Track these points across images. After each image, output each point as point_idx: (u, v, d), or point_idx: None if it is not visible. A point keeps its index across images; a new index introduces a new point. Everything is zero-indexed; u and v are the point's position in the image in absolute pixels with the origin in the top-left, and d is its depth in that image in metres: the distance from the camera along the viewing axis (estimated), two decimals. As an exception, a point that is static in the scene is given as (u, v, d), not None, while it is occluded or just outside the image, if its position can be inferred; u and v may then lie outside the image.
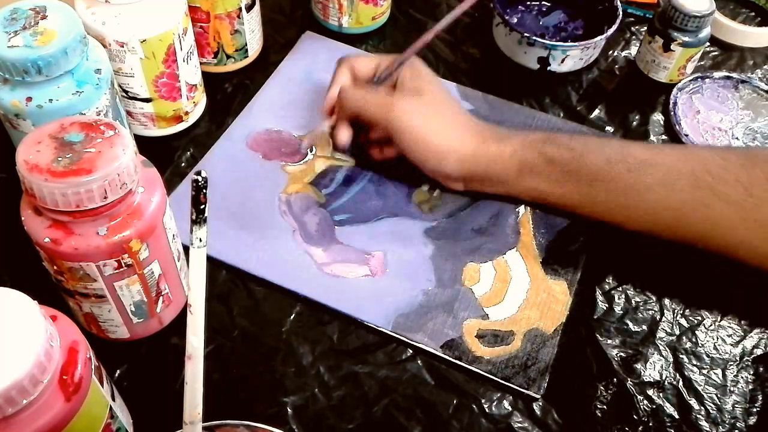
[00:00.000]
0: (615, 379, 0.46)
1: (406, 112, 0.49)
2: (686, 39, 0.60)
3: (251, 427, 0.33)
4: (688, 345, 0.48)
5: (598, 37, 0.61)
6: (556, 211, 0.52)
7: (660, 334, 0.48)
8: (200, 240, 0.27)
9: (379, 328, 0.47)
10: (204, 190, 0.26)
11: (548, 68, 0.63)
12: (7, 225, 0.43)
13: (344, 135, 0.52)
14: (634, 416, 0.45)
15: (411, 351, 0.47)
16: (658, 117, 0.62)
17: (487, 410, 0.44)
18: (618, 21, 0.62)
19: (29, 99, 0.42)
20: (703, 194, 0.46)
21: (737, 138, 0.61)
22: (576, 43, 0.61)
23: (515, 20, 0.67)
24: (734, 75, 0.65)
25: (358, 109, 0.50)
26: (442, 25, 0.51)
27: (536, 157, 0.49)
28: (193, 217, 0.27)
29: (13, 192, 0.39)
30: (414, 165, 0.51)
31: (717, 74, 0.65)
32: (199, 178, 0.26)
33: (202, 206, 0.27)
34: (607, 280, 0.51)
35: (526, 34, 0.61)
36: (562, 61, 0.62)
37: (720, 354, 0.48)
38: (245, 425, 0.32)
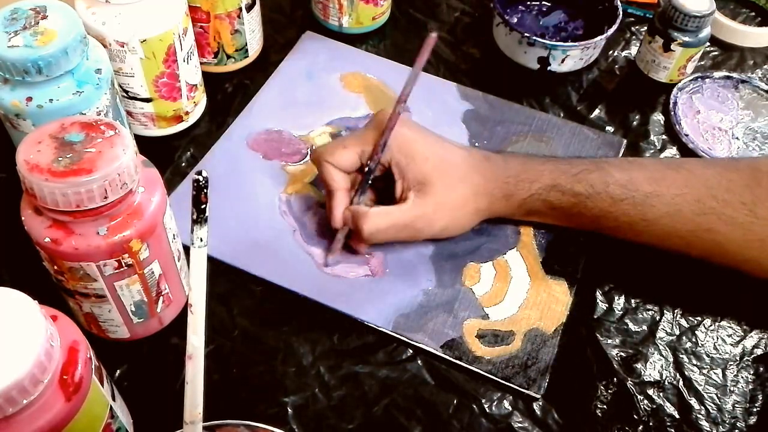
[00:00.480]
0: (615, 379, 0.46)
1: (429, 223, 0.48)
2: (686, 39, 0.60)
3: (252, 427, 0.33)
4: (688, 345, 0.48)
5: (598, 37, 0.61)
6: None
7: (660, 334, 0.48)
8: (201, 240, 0.27)
9: (380, 328, 0.47)
10: (205, 190, 0.26)
11: (548, 68, 0.63)
12: (8, 225, 0.43)
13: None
14: (635, 416, 0.45)
15: (411, 351, 0.47)
16: (658, 117, 0.62)
17: (487, 410, 0.44)
18: (618, 21, 0.62)
19: (29, 99, 0.42)
20: (708, 219, 0.46)
21: (737, 138, 0.61)
22: (576, 43, 0.61)
23: (515, 20, 0.67)
24: (734, 75, 0.65)
25: (387, 239, 0.48)
26: (407, 91, 0.47)
27: (541, 205, 0.49)
28: (194, 216, 0.27)
29: (14, 192, 0.39)
30: None
31: (717, 74, 0.65)
32: (200, 178, 0.26)
33: (203, 206, 0.27)
34: (607, 280, 0.51)
35: (526, 34, 0.61)
36: (562, 61, 0.62)
37: (720, 354, 0.48)
38: (246, 425, 0.33)
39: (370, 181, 0.48)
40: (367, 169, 0.48)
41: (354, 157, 0.48)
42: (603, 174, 0.48)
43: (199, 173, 0.27)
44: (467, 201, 0.48)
